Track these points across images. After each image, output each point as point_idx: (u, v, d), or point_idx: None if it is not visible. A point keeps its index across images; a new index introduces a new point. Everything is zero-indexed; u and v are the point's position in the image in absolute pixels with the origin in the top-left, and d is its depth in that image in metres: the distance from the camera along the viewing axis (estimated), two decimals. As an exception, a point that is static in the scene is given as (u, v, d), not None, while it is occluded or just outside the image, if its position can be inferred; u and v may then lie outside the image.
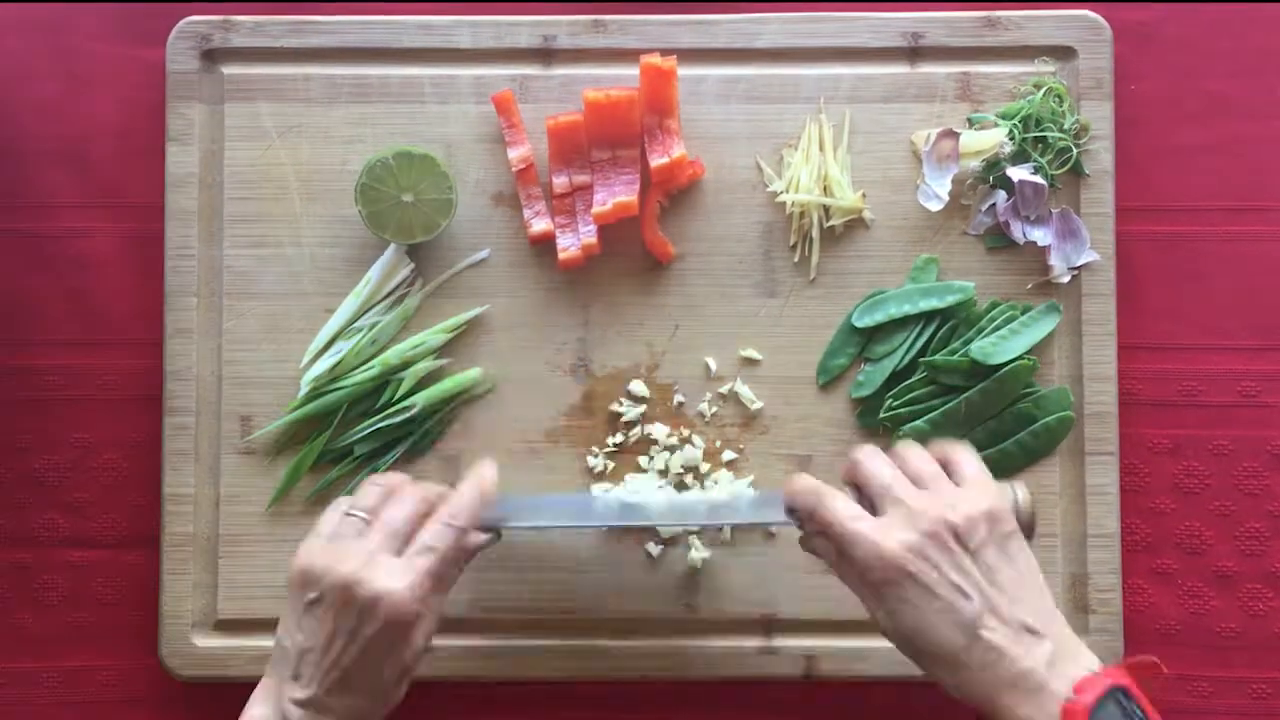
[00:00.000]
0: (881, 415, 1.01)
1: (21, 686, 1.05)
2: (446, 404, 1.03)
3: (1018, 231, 1.02)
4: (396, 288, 1.03)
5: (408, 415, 1.02)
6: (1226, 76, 1.07)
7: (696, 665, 1.02)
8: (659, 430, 1.02)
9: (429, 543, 0.85)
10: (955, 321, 1.02)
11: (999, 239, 1.03)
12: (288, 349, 1.03)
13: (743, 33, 1.04)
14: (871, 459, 0.85)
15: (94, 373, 1.06)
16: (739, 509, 0.97)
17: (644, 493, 0.99)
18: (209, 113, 1.05)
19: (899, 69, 1.04)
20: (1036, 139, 1.02)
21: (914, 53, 1.04)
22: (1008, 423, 1.02)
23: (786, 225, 1.04)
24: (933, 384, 1.02)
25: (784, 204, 1.03)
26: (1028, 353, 1.01)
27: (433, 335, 1.03)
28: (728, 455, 1.03)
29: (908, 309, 1.02)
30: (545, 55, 1.05)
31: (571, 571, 1.02)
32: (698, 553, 1.01)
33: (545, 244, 1.04)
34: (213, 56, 1.05)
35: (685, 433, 1.03)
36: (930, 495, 0.82)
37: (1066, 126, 1.02)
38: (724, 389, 1.03)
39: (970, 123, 1.04)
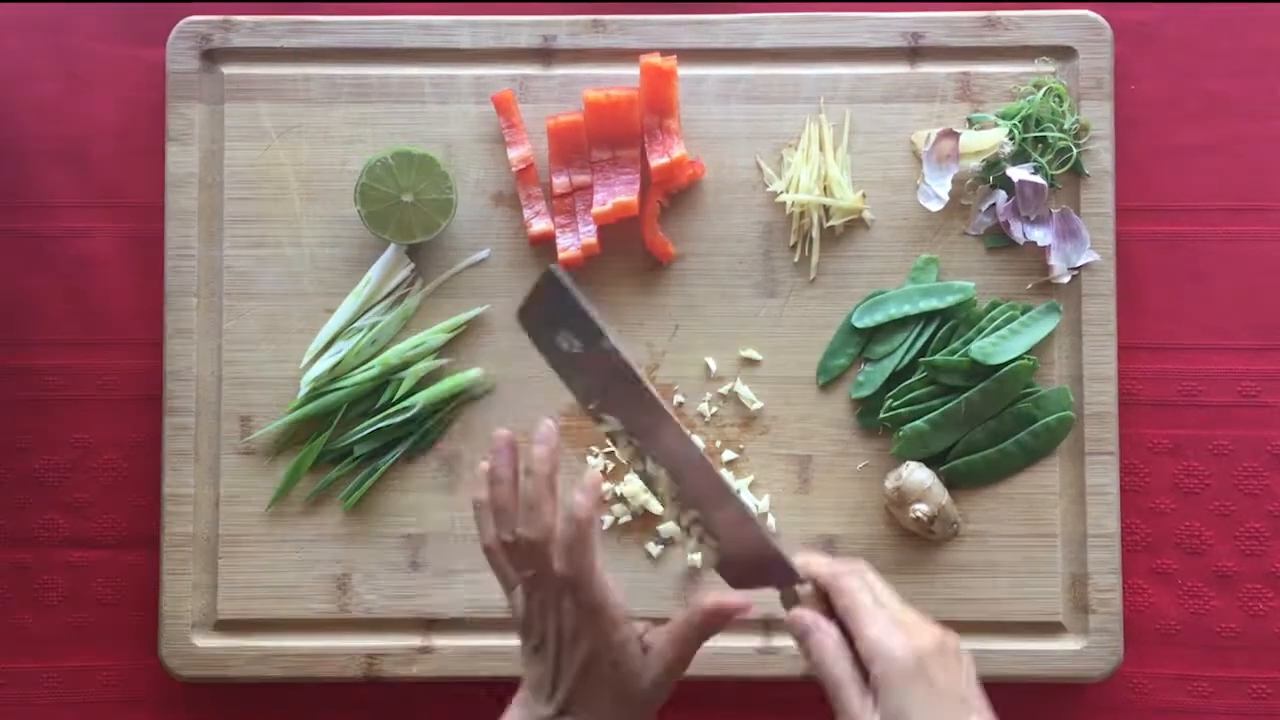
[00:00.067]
0: (881, 415, 1.01)
1: (21, 686, 1.05)
2: (446, 404, 1.03)
3: (1018, 231, 1.02)
4: (396, 288, 1.03)
5: (408, 415, 1.02)
6: (1226, 76, 1.07)
7: (696, 665, 1.01)
8: (659, 430, 1.02)
9: (586, 602, 0.81)
10: (955, 321, 1.02)
11: (999, 239, 1.03)
12: (288, 349, 1.03)
13: (743, 33, 1.04)
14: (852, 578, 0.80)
15: (94, 373, 1.06)
16: None
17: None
18: (209, 113, 1.05)
19: (899, 69, 1.04)
20: (1036, 139, 1.02)
21: (914, 53, 1.04)
22: (1008, 423, 1.02)
23: (786, 225, 1.04)
24: (933, 384, 1.02)
25: (784, 204, 1.03)
26: (1028, 353, 1.01)
27: (433, 335, 1.03)
28: (728, 455, 1.03)
29: (908, 309, 1.02)
30: (545, 55, 1.05)
31: (571, 571, 1.02)
32: (698, 553, 1.01)
33: (545, 244, 1.04)
34: (213, 56, 1.05)
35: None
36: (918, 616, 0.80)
37: (1066, 126, 1.02)
38: (724, 389, 1.03)
39: (970, 123, 1.04)
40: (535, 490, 0.81)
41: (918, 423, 1.01)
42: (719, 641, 0.98)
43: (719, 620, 0.82)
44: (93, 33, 1.08)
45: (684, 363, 1.03)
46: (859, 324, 1.02)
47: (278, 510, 1.03)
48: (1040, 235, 1.01)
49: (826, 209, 1.03)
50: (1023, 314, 1.02)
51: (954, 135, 1.01)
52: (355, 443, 1.02)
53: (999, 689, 1.02)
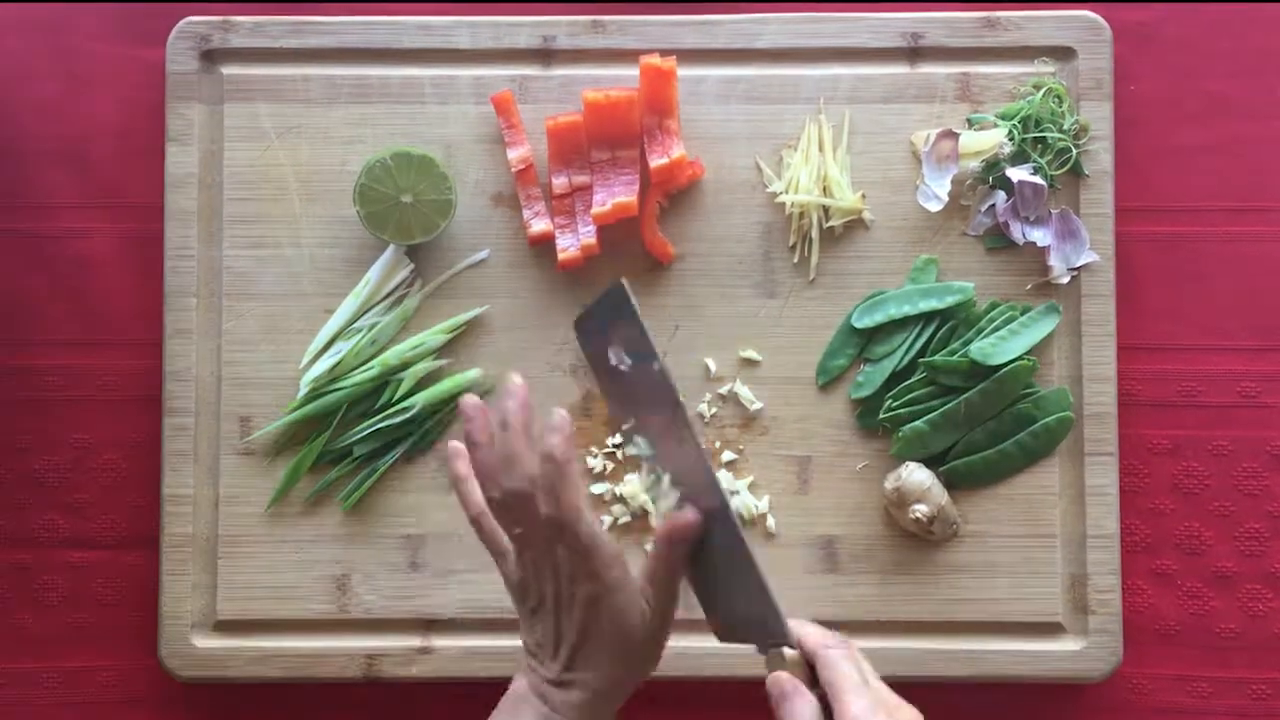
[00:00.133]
0: (881, 416, 1.01)
1: (21, 686, 1.05)
2: (446, 404, 1.03)
3: (1017, 232, 1.02)
4: (396, 288, 1.03)
5: (407, 416, 1.02)
6: (1226, 76, 1.07)
7: (696, 665, 1.02)
8: (658, 431, 1.02)
9: (575, 544, 0.81)
10: (955, 322, 1.02)
11: (999, 239, 1.03)
12: (287, 350, 1.03)
13: (743, 33, 1.04)
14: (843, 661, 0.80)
15: (94, 373, 1.06)
16: None
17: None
18: (209, 113, 1.05)
19: (899, 69, 1.04)
20: (1036, 139, 1.02)
21: (914, 53, 1.04)
22: (1007, 423, 1.01)
23: (786, 226, 1.04)
24: (932, 384, 1.02)
25: (784, 204, 1.03)
26: (1027, 353, 1.01)
27: (432, 336, 1.03)
28: (727, 456, 1.03)
29: (907, 310, 1.02)
30: (545, 56, 1.05)
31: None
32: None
33: (545, 244, 1.04)
34: (212, 57, 1.05)
35: (685, 433, 1.03)
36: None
37: (1066, 127, 1.02)
38: (724, 390, 1.03)
39: (970, 123, 1.04)
40: (513, 442, 0.81)
41: (917, 423, 1.01)
42: (719, 642, 0.98)
43: (678, 539, 0.82)
44: (93, 33, 1.08)
45: (684, 363, 1.03)
46: (859, 324, 1.02)
47: (277, 511, 1.03)
48: (1040, 236, 1.01)
49: (826, 209, 1.03)
50: (1022, 314, 1.02)
51: (954, 136, 1.01)
52: (355, 443, 1.02)
53: (999, 689, 1.03)
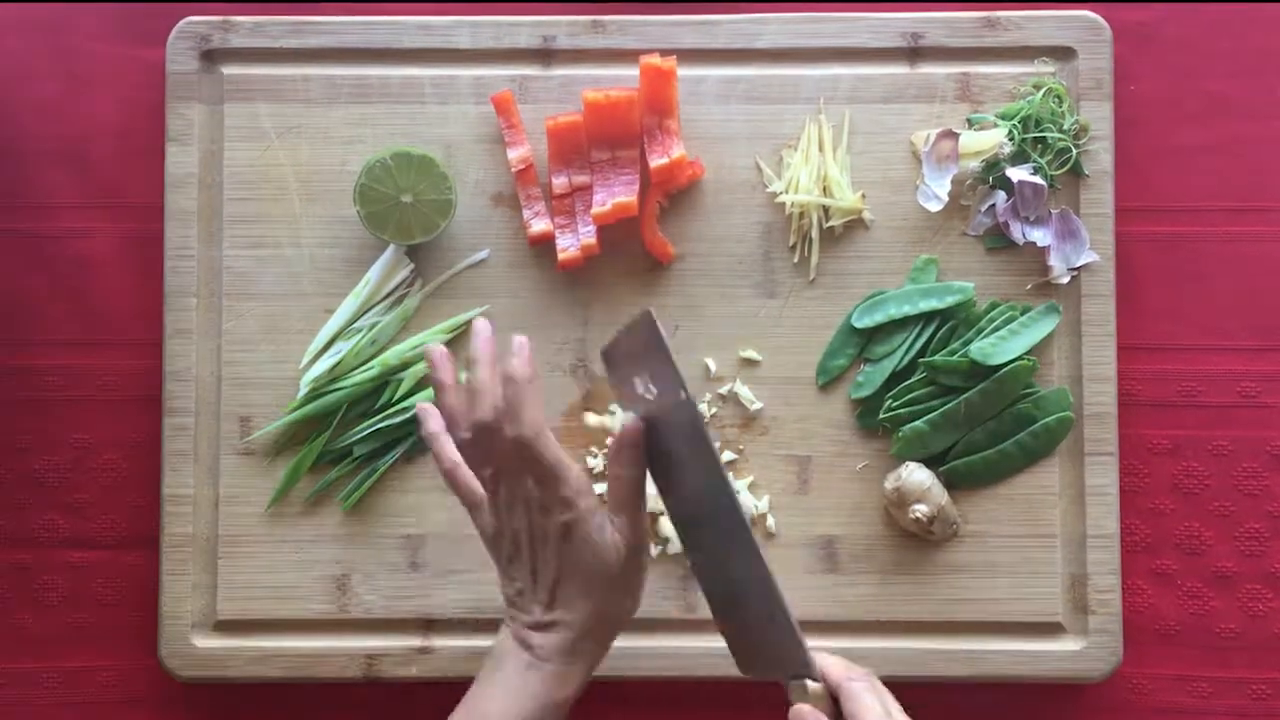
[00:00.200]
0: (881, 416, 1.01)
1: (21, 686, 1.05)
2: (446, 404, 1.03)
3: (1017, 232, 1.02)
4: (396, 288, 1.03)
5: (407, 416, 1.02)
6: (1226, 76, 1.07)
7: (696, 665, 1.02)
8: (658, 431, 1.02)
9: (532, 470, 0.84)
10: (955, 322, 1.02)
11: (999, 239, 1.03)
12: (287, 350, 1.03)
13: (743, 33, 1.04)
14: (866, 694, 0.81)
15: (94, 373, 1.06)
16: None
17: None
18: (209, 113, 1.05)
19: (899, 69, 1.04)
20: (1036, 139, 1.02)
21: (914, 53, 1.04)
22: (1007, 423, 1.01)
23: (786, 226, 1.04)
24: (932, 384, 1.02)
25: (784, 204, 1.03)
26: (1027, 353, 1.01)
27: (432, 336, 1.03)
28: (727, 456, 1.03)
29: (907, 310, 1.02)
30: (545, 55, 1.05)
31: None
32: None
33: (545, 244, 1.04)
34: (212, 57, 1.05)
35: (685, 433, 1.03)
36: None
37: (1066, 127, 1.02)
38: (724, 389, 1.03)
39: (970, 123, 1.04)
40: (480, 377, 0.85)
41: (917, 423, 1.01)
42: (720, 643, 0.98)
43: (626, 449, 0.84)
44: (93, 33, 1.08)
45: (684, 363, 1.02)
46: (859, 324, 1.02)
47: (277, 511, 1.03)
48: (1040, 236, 1.01)
49: (826, 209, 1.03)
50: (1022, 314, 1.02)
51: (953, 136, 1.01)
52: (355, 443, 1.02)
53: (999, 689, 1.03)
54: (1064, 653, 1.01)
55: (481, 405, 0.84)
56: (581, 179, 1.03)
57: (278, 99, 1.04)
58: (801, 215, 1.03)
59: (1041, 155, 1.02)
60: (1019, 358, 1.00)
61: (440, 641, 1.02)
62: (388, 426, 1.02)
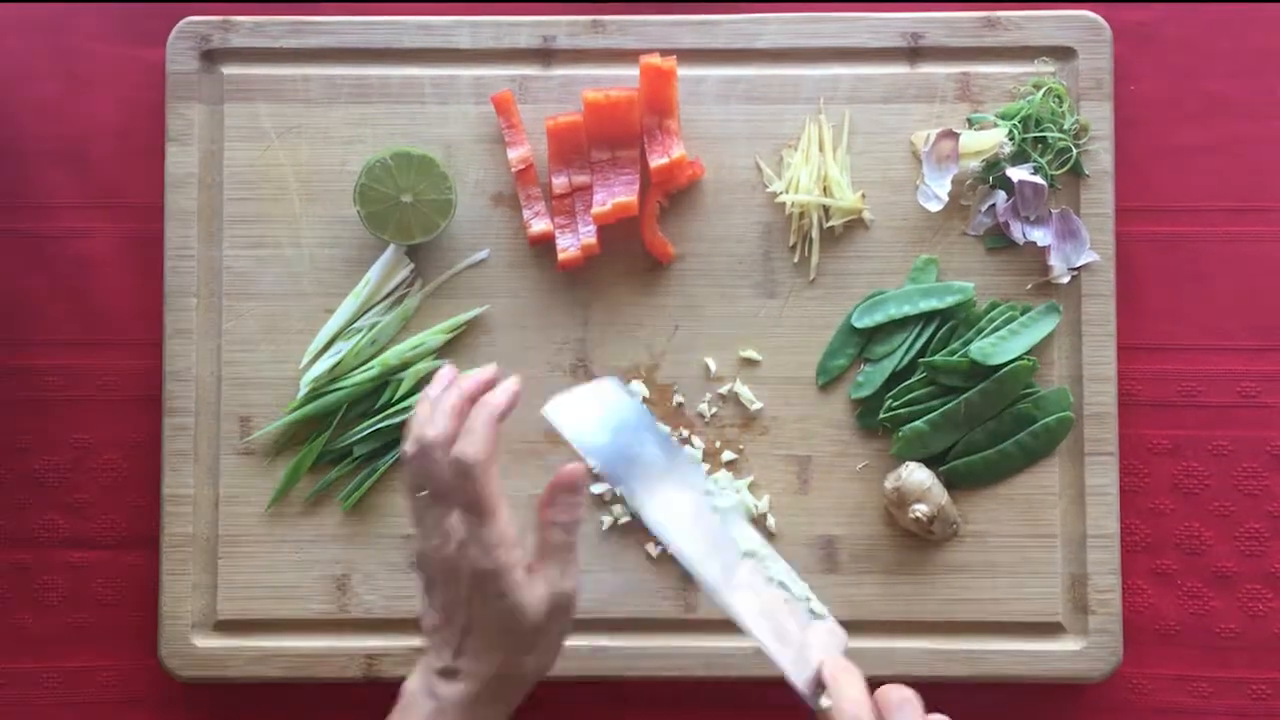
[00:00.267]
0: (881, 416, 1.01)
1: (21, 686, 1.05)
2: (446, 404, 1.03)
3: (1017, 232, 1.02)
4: (396, 288, 1.03)
5: (408, 415, 1.02)
6: (1226, 76, 1.07)
7: (696, 665, 1.02)
8: (659, 431, 1.02)
9: (461, 500, 0.82)
10: (955, 322, 1.02)
11: (999, 239, 1.03)
12: (287, 350, 1.03)
13: (743, 33, 1.04)
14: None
15: (94, 373, 1.06)
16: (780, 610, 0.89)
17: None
18: (209, 113, 1.05)
19: (899, 69, 1.04)
20: (1036, 139, 1.02)
21: (914, 53, 1.04)
22: (1007, 423, 1.01)
23: (786, 226, 1.04)
24: (932, 384, 1.02)
25: (784, 204, 1.03)
26: (1027, 353, 1.01)
27: (432, 336, 1.03)
28: (727, 456, 1.03)
29: (907, 309, 1.02)
30: (545, 55, 1.05)
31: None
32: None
33: (545, 244, 1.04)
34: (212, 57, 1.05)
35: (685, 433, 1.03)
36: None
37: (1066, 127, 1.02)
38: (724, 389, 1.03)
39: (970, 123, 1.04)
40: (452, 394, 0.85)
41: (917, 423, 1.01)
42: (719, 643, 0.98)
43: (565, 489, 0.83)
44: (93, 33, 1.08)
45: (684, 363, 1.03)
46: (859, 324, 1.02)
47: (277, 511, 1.03)
48: (1040, 236, 1.01)
49: (826, 209, 1.03)
50: (1022, 314, 1.02)
51: (954, 135, 1.01)
52: (355, 443, 1.02)
53: (999, 689, 1.03)
54: (1064, 653, 1.01)
55: (435, 421, 0.83)
56: (581, 179, 1.03)
57: (278, 99, 1.04)
58: (801, 215, 1.03)
59: (1041, 155, 1.02)
60: (1019, 358, 1.00)
61: (440, 641, 1.02)
62: (388, 426, 1.02)
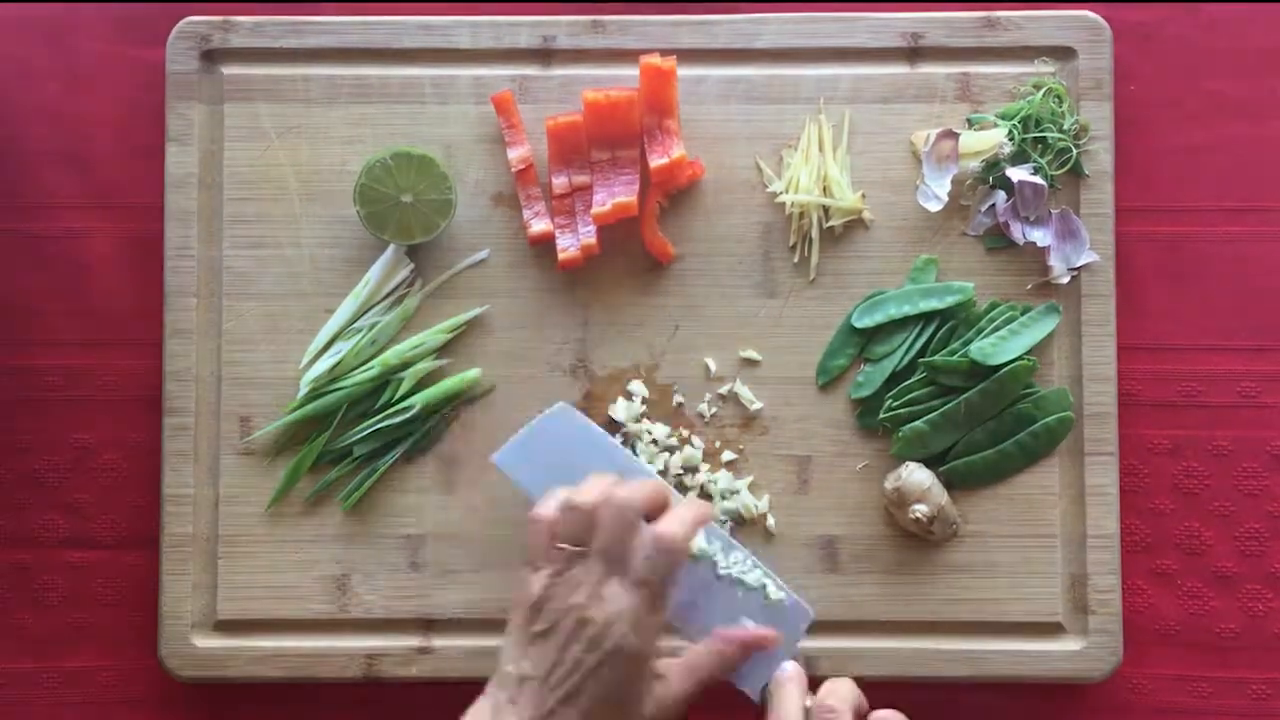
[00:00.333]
0: (881, 416, 1.01)
1: (21, 686, 1.05)
2: (446, 404, 1.03)
3: (1017, 232, 1.02)
4: (396, 288, 1.03)
5: (407, 415, 1.02)
6: (1226, 76, 1.07)
7: (696, 665, 1.01)
8: (659, 431, 1.02)
9: (644, 575, 0.81)
10: (955, 322, 1.02)
11: (999, 239, 1.03)
12: (287, 349, 1.03)
13: (742, 33, 1.04)
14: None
15: (94, 373, 1.06)
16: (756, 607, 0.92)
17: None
18: (208, 113, 1.05)
19: (899, 69, 1.04)
20: (1036, 139, 1.02)
21: (914, 53, 1.04)
22: (1007, 423, 1.01)
23: (786, 226, 1.04)
24: (932, 384, 1.02)
25: (784, 204, 1.03)
26: (1027, 353, 1.01)
27: (432, 335, 1.03)
28: (727, 456, 1.03)
29: (907, 309, 1.02)
30: (545, 55, 1.05)
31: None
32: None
33: (545, 244, 1.04)
34: (212, 57, 1.05)
35: (685, 433, 1.03)
36: None
37: (1066, 127, 1.02)
38: (724, 389, 1.03)
39: (970, 123, 1.04)
40: (637, 483, 0.84)
41: (917, 423, 1.01)
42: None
43: (737, 652, 0.83)
44: (93, 33, 1.08)
45: (684, 363, 1.03)
46: (859, 324, 1.02)
47: (277, 510, 1.03)
48: (1040, 236, 1.01)
49: (826, 209, 1.03)
50: (1022, 314, 1.02)
51: (953, 136, 1.01)
52: (355, 443, 1.02)
53: (999, 689, 1.03)
54: (1064, 653, 1.01)
55: (631, 488, 0.82)
56: (581, 179, 1.03)
57: (278, 99, 1.04)
58: (801, 215, 1.03)
59: (1041, 155, 1.02)
60: (1019, 358, 1.00)
61: (440, 641, 1.02)
62: (388, 426, 1.02)
